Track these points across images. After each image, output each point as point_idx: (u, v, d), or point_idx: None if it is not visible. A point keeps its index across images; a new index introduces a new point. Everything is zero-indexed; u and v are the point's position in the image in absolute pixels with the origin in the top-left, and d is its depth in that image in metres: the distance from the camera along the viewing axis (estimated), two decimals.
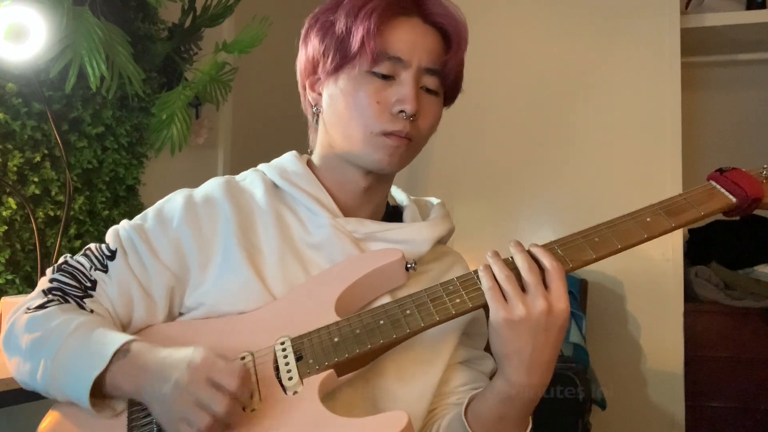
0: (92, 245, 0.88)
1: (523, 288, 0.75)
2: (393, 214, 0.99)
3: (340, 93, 0.86)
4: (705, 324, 2.24)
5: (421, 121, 0.86)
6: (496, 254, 0.78)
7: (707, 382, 2.21)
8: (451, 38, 0.87)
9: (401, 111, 0.83)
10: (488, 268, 0.77)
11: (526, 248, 0.78)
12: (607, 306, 2.33)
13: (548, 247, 0.79)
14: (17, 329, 0.81)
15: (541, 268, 0.76)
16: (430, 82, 0.86)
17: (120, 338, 0.75)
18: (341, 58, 0.85)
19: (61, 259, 0.88)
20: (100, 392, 0.75)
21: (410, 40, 0.84)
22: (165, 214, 0.88)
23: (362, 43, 0.82)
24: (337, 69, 0.86)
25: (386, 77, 0.84)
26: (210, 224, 0.87)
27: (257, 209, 0.89)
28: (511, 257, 0.78)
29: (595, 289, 2.32)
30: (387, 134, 0.84)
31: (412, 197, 1.01)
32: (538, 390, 0.77)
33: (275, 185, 0.92)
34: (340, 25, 0.85)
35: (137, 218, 0.90)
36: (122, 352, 0.74)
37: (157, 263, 0.85)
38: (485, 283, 0.76)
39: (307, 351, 0.77)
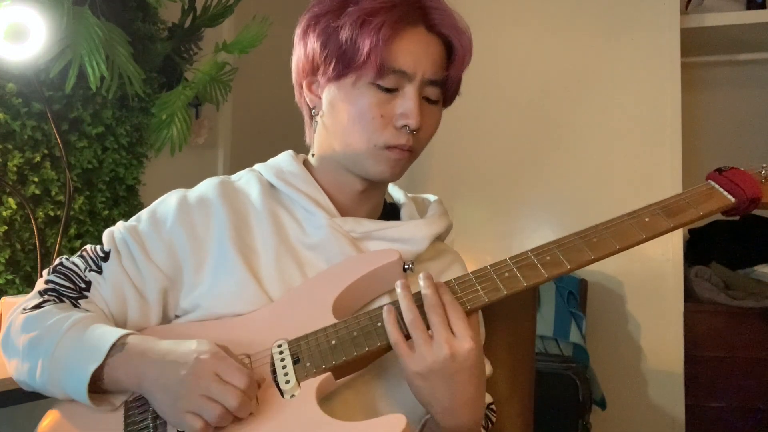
0: (88, 246, 0.89)
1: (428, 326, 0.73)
2: (390, 211, 0.98)
3: (341, 101, 0.85)
4: (705, 324, 2.24)
5: (422, 132, 0.86)
6: (406, 287, 0.76)
7: (707, 382, 2.21)
8: (455, 51, 0.86)
9: (405, 125, 0.82)
10: (392, 312, 0.75)
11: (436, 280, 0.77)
12: (607, 306, 2.33)
13: (464, 280, 0.78)
14: (14, 330, 0.82)
15: None
16: (432, 92, 0.86)
17: (116, 332, 0.76)
18: (344, 67, 0.83)
19: (57, 261, 0.88)
20: (98, 387, 0.76)
21: (415, 51, 0.83)
22: (159, 215, 0.88)
23: (368, 56, 0.81)
24: (338, 76, 0.84)
25: (390, 90, 0.83)
26: (203, 225, 0.86)
27: (253, 210, 0.89)
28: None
29: (595, 289, 2.31)
30: (390, 147, 0.83)
31: (409, 195, 1.00)
32: (471, 426, 0.76)
33: (271, 185, 0.92)
34: (345, 34, 0.82)
35: (132, 219, 0.90)
36: (119, 345, 0.75)
37: (150, 265, 0.85)
38: (392, 337, 0.74)
39: (305, 354, 0.77)
